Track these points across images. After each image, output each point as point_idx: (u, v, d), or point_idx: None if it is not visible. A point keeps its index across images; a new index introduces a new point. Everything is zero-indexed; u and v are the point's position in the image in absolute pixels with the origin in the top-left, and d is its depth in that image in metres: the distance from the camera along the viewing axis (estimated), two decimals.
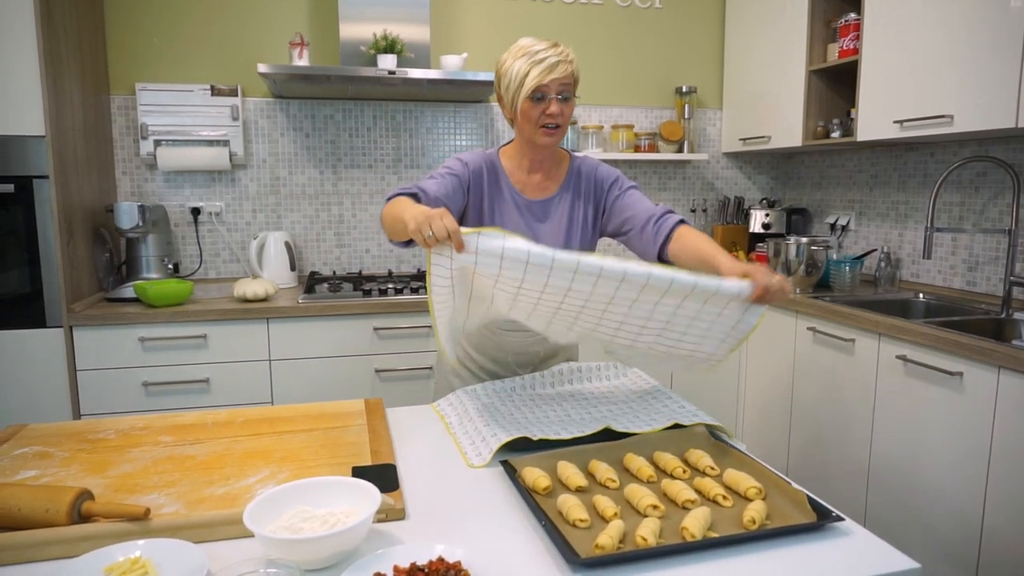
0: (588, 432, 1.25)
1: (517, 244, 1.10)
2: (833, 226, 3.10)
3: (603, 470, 1.12)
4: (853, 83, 2.55)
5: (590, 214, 1.57)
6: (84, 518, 0.94)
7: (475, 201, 1.53)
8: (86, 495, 0.96)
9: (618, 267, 1.12)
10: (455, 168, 1.50)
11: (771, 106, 2.96)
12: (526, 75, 1.40)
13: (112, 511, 0.93)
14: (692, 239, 1.40)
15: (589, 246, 1.59)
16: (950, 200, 2.55)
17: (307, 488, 0.98)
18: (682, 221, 1.47)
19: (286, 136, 2.91)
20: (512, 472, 1.12)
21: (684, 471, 1.13)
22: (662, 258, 1.47)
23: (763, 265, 1.28)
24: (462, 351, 1.73)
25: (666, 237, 1.45)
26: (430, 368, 2.52)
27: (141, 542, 0.89)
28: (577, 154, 1.62)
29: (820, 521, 0.95)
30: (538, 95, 1.42)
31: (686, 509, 1.01)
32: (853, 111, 2.55)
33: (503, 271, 1.12)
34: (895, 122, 2.31)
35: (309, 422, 1.39)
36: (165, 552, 0.87)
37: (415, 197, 1.38)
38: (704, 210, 3.39)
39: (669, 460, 1.16)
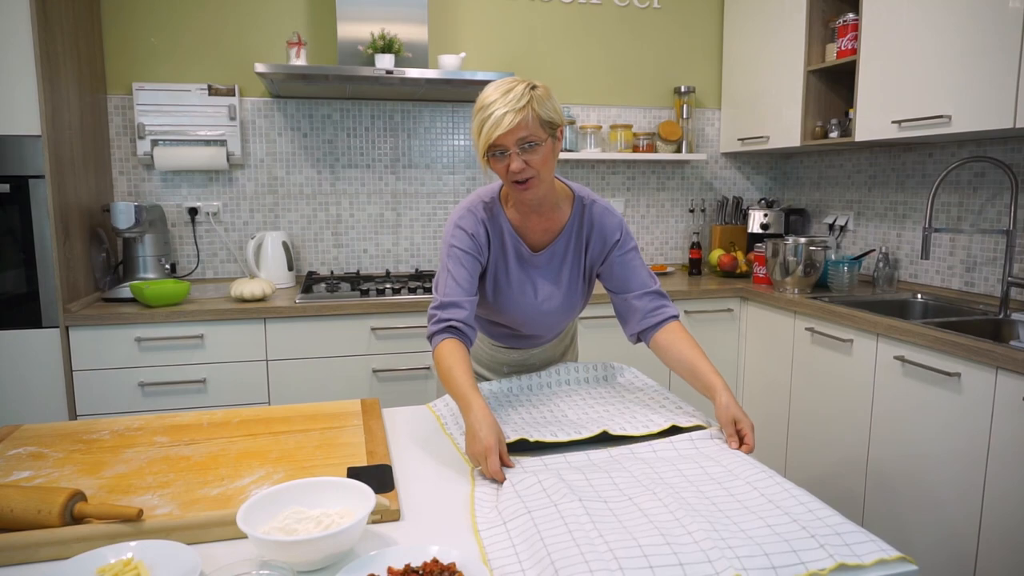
0: (585, 435, 1.25)
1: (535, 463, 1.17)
2: (831, 226, 3.10)
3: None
4: (851, 83, 2.54)
5: (588, 265, 1.52)
6: (77, 519, 0.94)
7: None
8: (79, 496, 0.95)
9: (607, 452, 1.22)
10: (467, 247, 1.42)
11: (769, 106, 2.96)
12: (479, 134, 1.30)
13: (105, 512, 0.93)
14: (681, 342, 1.41)
15: (585, 295, 1.57)
16: (948, 200, 2.54)
17: (302, 489, 0.97)
18: (675, 316, 1.47)
19: (284, 136, 2.91)
20: None
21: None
22: (641, 339, 1.49)
23: (746, 420, 1.26)
24: None
25: (655, 324, 1.46)
26: (428, 368, 2.52)
27: (133, 543, 0.88)
28: (581, 192, 1.51)
29: None
30: (497, 152, 1.31)
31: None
32: (851, 111, 2.55)
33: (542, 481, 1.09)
34: (893, 122, 2.31)
35: (305, 422, 1.38)
36: (158, 553, 0.87)
37: (459, 331, 1.37)
38: (703, 210, 3.38)
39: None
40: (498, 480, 1.12)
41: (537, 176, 1.33)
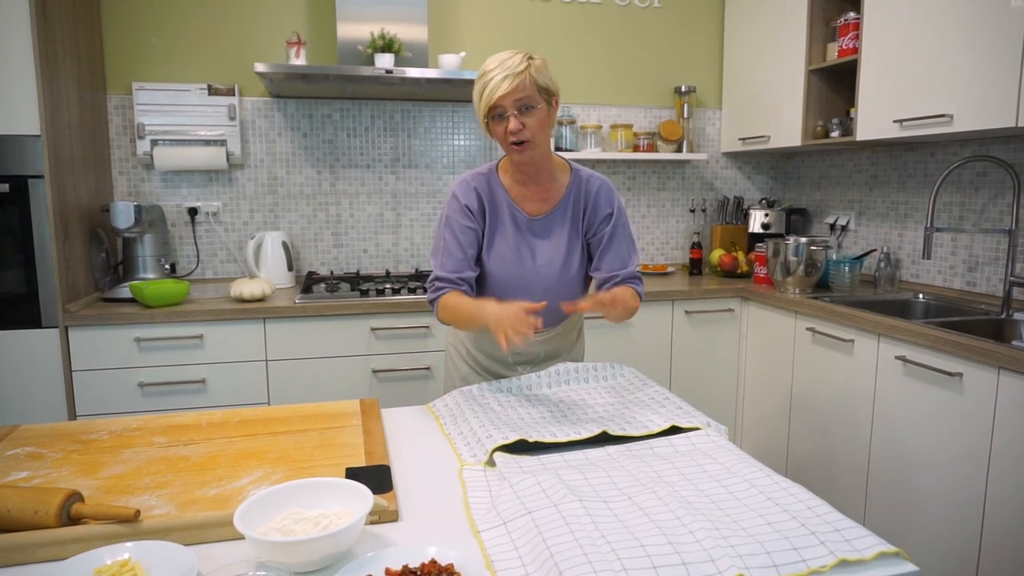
0: (585, 436, 1.24)
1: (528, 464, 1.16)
2: (833, 226, 3.09)
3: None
4: (853, 82, 2.54)
5: (584, 233, 1.60)
6: (74, 520, 0.93)
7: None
8: (76, 497, 0.95)
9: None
10: (461, 215, 1.54)
11: (770, 106, 2.95)
12: (479, 99, 1.41)
13: (102, 513, 0.92)
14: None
15: (585, 263, 1.62)
16: (950, 200, 2.54)
17: (300, 489, 0.97)
18: (636, 290, 1.57)
19: (283, 136, 2.90)
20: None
21: None
22: None
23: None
24: (463, 348, 1.73)
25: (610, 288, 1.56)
26: (428, 368, 2.51)
27: (130, 544, 0.87)
28: (580, 167, 1.60)
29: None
30: (495, 114, 1.42)
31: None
32: (853, 110, 2.54)
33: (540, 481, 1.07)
34: (895, 121, 2.30)
35: (304, 423, 1.38)
36: (155, 554, 0.86)
37: (459, 288, 1.52)
38: (703, 210, 3.38)
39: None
40: (528, 329, 1.27)
41: (532, 139, 1.42)
